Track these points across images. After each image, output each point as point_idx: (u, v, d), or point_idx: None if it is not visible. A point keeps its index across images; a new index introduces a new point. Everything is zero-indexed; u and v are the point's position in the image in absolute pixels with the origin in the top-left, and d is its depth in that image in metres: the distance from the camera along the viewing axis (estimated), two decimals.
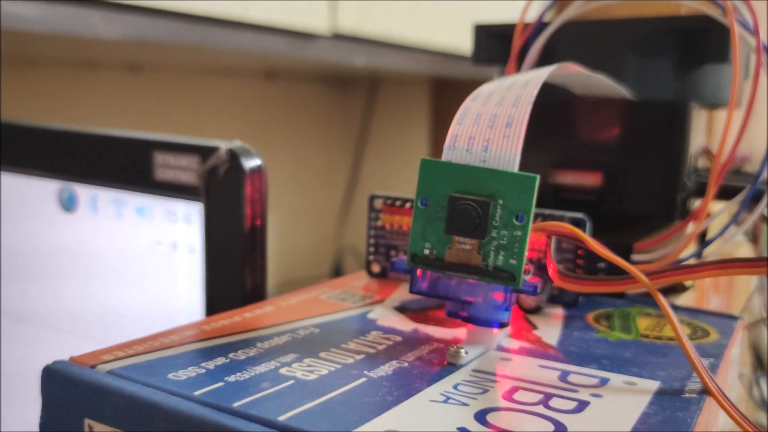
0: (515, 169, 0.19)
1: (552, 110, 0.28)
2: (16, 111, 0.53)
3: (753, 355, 0.40)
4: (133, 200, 0.29)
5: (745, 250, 0.38)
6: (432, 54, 0.67)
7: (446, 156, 0.20)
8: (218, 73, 0.74)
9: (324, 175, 0.90)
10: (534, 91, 0.20)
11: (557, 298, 0.25)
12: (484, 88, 0.21)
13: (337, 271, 0.86)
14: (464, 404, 0.17)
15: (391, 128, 0.91)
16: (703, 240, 0.30)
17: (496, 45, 0.31)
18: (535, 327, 0.23)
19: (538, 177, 0.19)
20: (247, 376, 0.18)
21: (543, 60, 0.29)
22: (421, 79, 0.88)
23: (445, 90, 0.88)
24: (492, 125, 0.19)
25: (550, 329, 0.23)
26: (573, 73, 0.25)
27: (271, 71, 0.78)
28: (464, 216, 0.19)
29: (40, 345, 0.34)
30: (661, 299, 0.18)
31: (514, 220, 0.19)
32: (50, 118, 0.59)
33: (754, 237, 0.36)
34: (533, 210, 0.19)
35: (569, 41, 0.29)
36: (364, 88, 0.91)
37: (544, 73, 0.21)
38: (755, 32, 0.24)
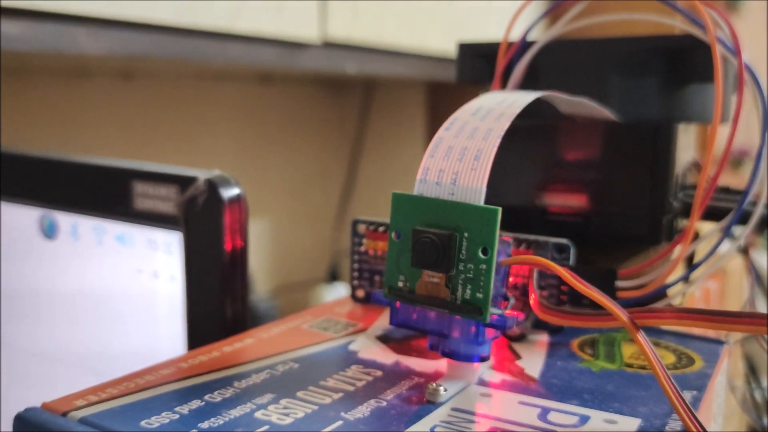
0: (481, 201, 0.19)
1: (537, 133, 0.27)
2: (7, 120, 0.52)
3: (746, 366, 0.40)
4: (114, 228, 0.29)
5: (736, 263, 0.38)
6: (425, 59, 0.66)
7: (417, 189, 0.20)
8: (213, 78, 0.74)
9: (320, 178, 0.90)
10: (506, 125, 0.19)
11: (542, 323, 0.25)
12: (460, 115, 0.21)
13: (333, 275, 0.85)
14: None
15: (387, 132, 0.91)
16: (691, 263, 0.29)
17: (480, 64, 0.30)
18: (518, 357, 0.23)
19: (500, 210, 0.19)
20: (221, 422, 0.18)
21: (528, 79, 0.29)
22: (417, 82, 0.87)
23: (440, 93, 0.88)
24: (461, 158, 0.19)
25: (534, 358, 0.23)
26: (557, 96, 0.25)
27: (266, 76, 0.78)
28: (424, 249, 0.19)
29: (19, 374, 0.33)
30: (641, 339, 0.18)
31: (480, 253, 0.19)
32: (42, 127, 0.58)
33: (744, 249, 0.35)
34: (497, 242, 0.19)
35: (554, 61, 0.29)
36: (359, 92, 0.91)
37: (521, 104, 0.21)
38: (736, 52, 0.24)
